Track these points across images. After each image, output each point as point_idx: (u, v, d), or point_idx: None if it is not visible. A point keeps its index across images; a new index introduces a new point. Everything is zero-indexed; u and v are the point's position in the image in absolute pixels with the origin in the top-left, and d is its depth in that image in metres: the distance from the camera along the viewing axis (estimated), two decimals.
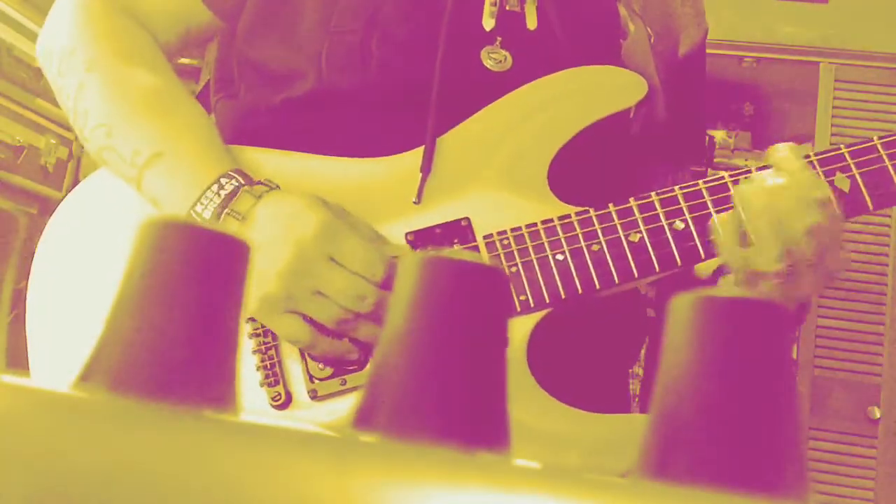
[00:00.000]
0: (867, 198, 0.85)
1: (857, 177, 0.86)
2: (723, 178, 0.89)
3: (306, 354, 0.89)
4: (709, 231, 0.86)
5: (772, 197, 0.82)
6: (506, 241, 0.89)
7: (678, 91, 1.07)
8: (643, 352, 1.13)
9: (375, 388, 0.24)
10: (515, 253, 0.89)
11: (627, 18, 1.05)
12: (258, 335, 0.90)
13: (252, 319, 0.89)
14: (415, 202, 0.91)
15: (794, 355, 1.79)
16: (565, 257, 0.88)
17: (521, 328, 0.87)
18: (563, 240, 0.88)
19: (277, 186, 0.88)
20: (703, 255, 0.87)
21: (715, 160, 2.04)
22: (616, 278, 0.87)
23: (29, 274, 1.00)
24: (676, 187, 0.89)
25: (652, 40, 1.05)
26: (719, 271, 0.97)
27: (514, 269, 0.88)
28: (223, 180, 0.88)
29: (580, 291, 0.87)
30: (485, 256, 0.89)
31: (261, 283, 0.83)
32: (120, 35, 1.01)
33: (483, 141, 0.94)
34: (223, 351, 0.24)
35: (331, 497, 0.18)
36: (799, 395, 1.74)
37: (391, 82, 0.96)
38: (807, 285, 0.84)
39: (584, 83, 0.96)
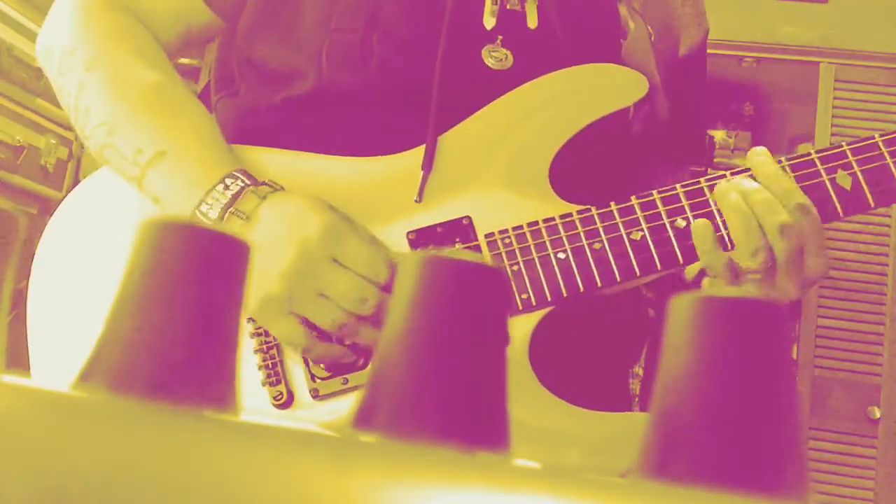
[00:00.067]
0: (868, 195, 0.86)
1: (859, 174, 0.86)
2: (725, 176, 0.89)
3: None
4: (688, 235, 0.87)
5: (745, 196, 0.83)
6: (507, 240, 0.89)
7: (678, 91, 1.07)
8: (644, 351, 1.13)
9: (375, 388, 0.24)
10: (517, 251, 0.89)
11: (628, 17, 1.05)
12: (259, 334, 0.90)
13: (253, 319, 0.89)
14: (416, 201, 0.91)
15: (794, 355, 1.79)
16: (567, 256, 0.88)
17: (522, 326, 0.87)
18: (564, 238, 0.88)
19: (282, 187, 0.88)
20: None
21: (715, 160, 2.04)
22: (618, 276, 0.87)
23: (29, 274, 1.00)
24: (678, 185, 0.89)
25: (652, 38, 1.05)
26: (703, 273, 0.98)
27: (515, 267, 0.88)
28: (228, 180, 0.87)
29: (582, 290, 0.87)
30: (486, 255, 0.89)
31: (263, 283, 0.83)
32: (121, 33, 1.00)
33: (484, 139, 0.94)
34: (223, 351, 0.24)
35: (331, 497, 0.18)
36: (799, 395, 1.74)
37: (391, 81, 0.96)
38: (785, 287, 0.84)
39: (586, 81, 0.96)
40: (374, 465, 0.19)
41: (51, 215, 1.02)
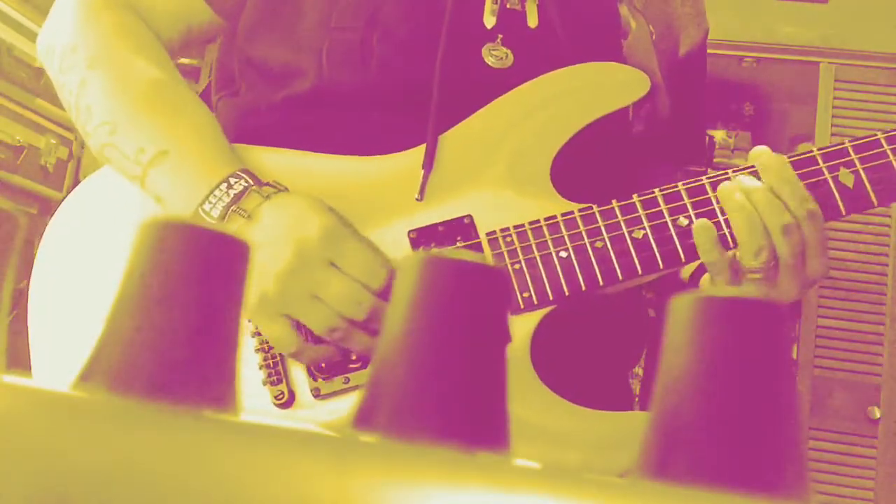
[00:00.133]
0: (871, 193, 0.86)
1: (861, 172, 0.86)
2: (727, 174, 0.89)
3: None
4: (690, 233, 0.87)
5: (749, 195, 0.83)
6: (509, 239, 0.89)
7: (679, 91, 1.07)
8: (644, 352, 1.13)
9: (375, 388, 0.24)
10: (518, 250, 0.89)
11: (629, 16, 1.05)
12: (260, 333, 0.90)
13: None
14: (417, 199, 0.91)
15: (794, 355, 1.79)
16: (569, 254, 0.88)
17: (524, 325, 0.87)
18: (566, 237, 0.88)
19: (286, 188, 0.88)
20: None
21: (715, 160, 2.04)
22: (620, 275, 0.87)
23: (29, 274, 1.00)
24: (680, 184, 0.89)
25: (654, 37, 1.05)
26: (697, 274, 0.98)
27: (517, 266, 0.88)
28: (232, 179, 0.87)
29: (584, 288, 0.87)
30: (488, 254, 0.89)
31: (259, 282, 0.83)
32: (122, 31, 1.00)
33: (485, 138, 0.94)
34: (223, 351, 0.24)
35: (331, 497, 0.18)
36: (799, 395, 1.74)
37: (392, 81, 0.96)
38: (786, 287, 0.84)
39: (587, 80, 0.96)
40: (374, 465, 0.19)
41: (51, 215, 1.02)
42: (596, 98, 0.95)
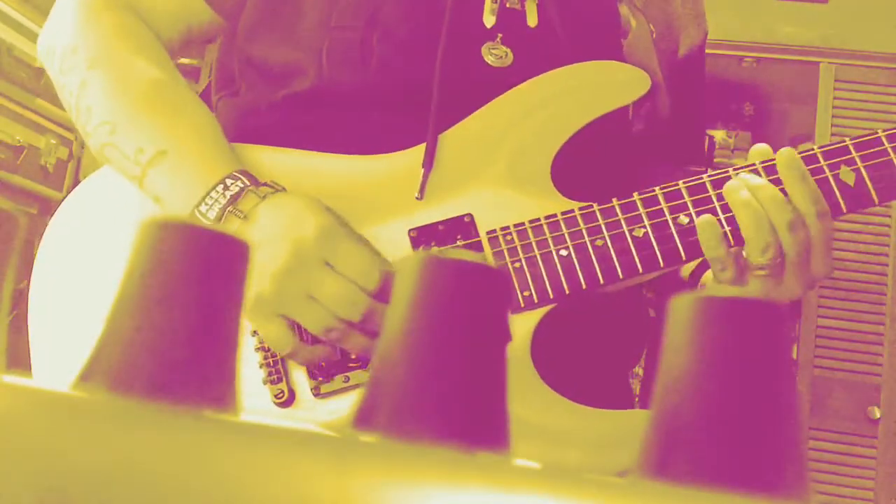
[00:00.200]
0: (872, 191, 0.86)
1: (862, 170, 0.86)
2: (727, 172, 0.89)
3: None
4: (691, 231, 0.87)
5: (755, 193, 0.83)
6: (509, 237, 0.89)
7: (679, 91, 1.07)
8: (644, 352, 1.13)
9: (375, 388, 0.24)
10: (519, 248, 0.89)
11: (629, 15, 1.05)
12: None
13: None
14: (417, 198, 0.91)
15: (794, 355, 1.79)
16: (569, 252, 0.88)
17: (524, 324, 0.87)
18: (566, 235, 0.88)
19: (283, 188, 0.88)
20: None
21: (715, 160, 2.04)
22: (620, 273, 0.87)
23: (29, 274, 1.00)
24: (680, 182, 0.89)
25: (654, 36, 1.05)
26: (698, 273, 0.98)
27: (517, 264, 0.88)
28: (228, 181, 0.87)
29: (584, 287, 0.87)
30: (488, 252, 0.89)
31: (255, 283, 0.83)
32: (122, 32, 1.01)
33: (485, 137, 0.94)
34: (223, 351, 0.24)
35: (331, 497, 0.18)
36: (799, 395, 1.74)
37: (392, 81, 0.96)
38: (790, 285, 0.85)
39: (587, 78, 0.96)
40: (374, 465, 0.19)
41: (51, 215, 1.02)
42: (596, 97, 0.95)
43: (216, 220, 0.86)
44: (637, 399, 1.20)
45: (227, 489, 0.18)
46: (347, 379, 0.88)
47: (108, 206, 0.99)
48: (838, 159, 0.86)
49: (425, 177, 0.91)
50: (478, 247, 0.90)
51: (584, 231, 0.88)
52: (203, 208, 0.87)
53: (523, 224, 0.89)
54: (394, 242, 0.90)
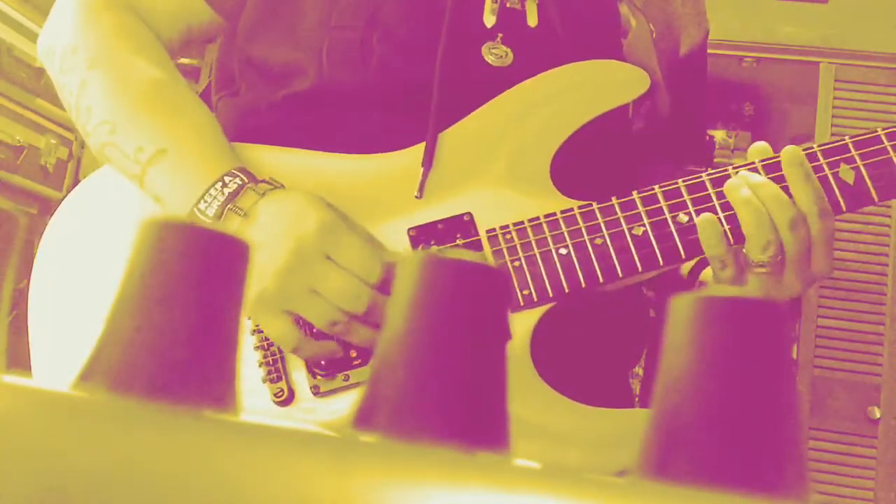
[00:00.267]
0: (871, 189, 0.86)
1: (862, 168, 0.86)
2: (726, 170, 0.89)
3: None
4: (690, 230, 0.87)
5: (756, 191, 0.83)
6: (508, 236, 0.89)
7: (679, 90, 1.07)
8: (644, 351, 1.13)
9: (375, 388, 0.24)
10: (518, 247, 0.89)
11: (629, 14, 1.05)
12: (260, 331, 0.90)
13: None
14: (417, 197, 0.91)
15: (794, 355, 1.79)
16: (568, 251, 0.88)
17: (524, 323, 0.87)
18: (566, 233, 0.88)
19: (282, 185, 0.88)
20: None
21: (715, 160, 2.04)
22: (619, 271, 0.87)
23: (29, 274, 1.00)
24: (680, 180, 0.89)
25: (654, 36, 1.05)
26: (696, 270, 0.99)
27: (517, 263, 0.88)
28: (227, 178, 0.88)
29: (583, 285, 0.87)
30: (487, 251, 0.89)
31: (258, 280, 0.83)
32: (122, 32, 1.01)
33: (485, 136, 0.94)
34: (223, 351, 0.24)
35: (331, 497, 0.18)
36: (799, 394, 1.74)
37: (392, 81, 0.96)
38: (790, 282, 0.85)
39: (587, 77, 0.96)
40: (374, 465, 0.19)
41: (51, 215, 1.02)
42: (596, 95, 0.95)
43: (215, 217, 0.86)
44: (637, 399, 1.20)
45: (227, 489, 0.18)
46: (347, 378, 0.88)
47: (108, 205, 0.99)
48: (838, 157, 0.86)
49: (425, 176, 0.91)
50: (477, 246, 0.90)
51: (583, 230, 0.88)
52: (202, 206, 0.87)
53: (522, 223, 0.89)
54: (393, 241, 0.90)
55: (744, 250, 0.85)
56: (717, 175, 0.88)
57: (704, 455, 0.22)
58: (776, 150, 0.89)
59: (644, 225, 0.87)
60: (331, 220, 0.85)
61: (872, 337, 1.77)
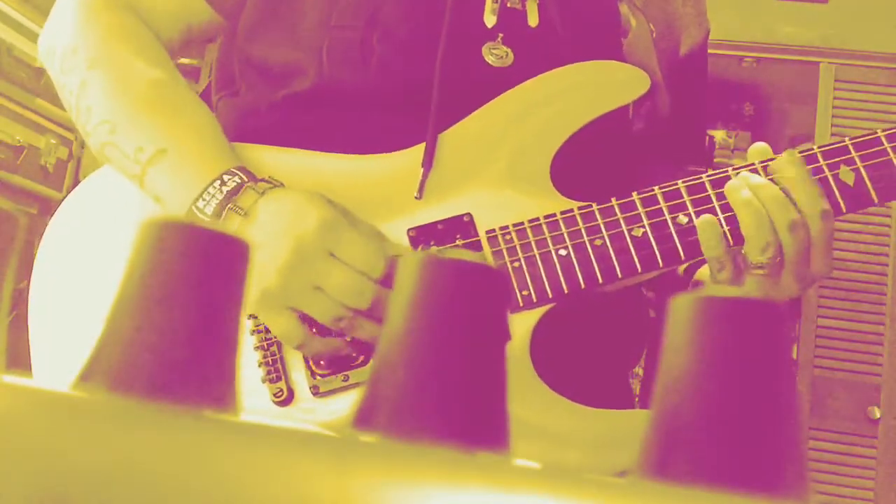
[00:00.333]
0: (871, 190, 0.86)
1: (862, 170, 0.86)
2: (726, 171, 0.89)
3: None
4: (690, 231, 0.87)
5: (756, 192, 0.83)
6: (508, 237, 0.89)
7: (679, 90, 1.07)
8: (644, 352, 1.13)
9: (375, 388, 0.24)
10: (518, 248, 0.89)
11: (629, 14, 1.05)
12: (260, 331, 0.90)
13: (254, 316, 0.89)
14: (417, 198, 0.91)
15: (794, 355, 1.79)
16: (568, 252, 0.88)
17: (523, 323, 0.87)
18: (565, 234, 0.88)
19: (281, 184, 0.88)
20: None
21: (715, 160, 2.04)
22: (619, 273, 0.87)
23: (29, 274, 1.00)
24: (679, 181, 0.89)
25: (654, 36, 1.05)
26: (692, 269, 0.99)
27: (516, 264, 0.88)
28: (226, 177, 0.88)
29: (583, 286, 0.87)
30: (487, 252, 0.89)
31: (261, 278, 0.83)
32: (122, 32, 1.01)
33: (485, 137, 0.94)
34: (223, 351, 0.24)
35: (331, 497, 0.18)
36: (799, 395, 1.74)
37: (392, 81, 0.96)
38: (788, 284, 0.85)
39: (587, 78, 0.96)
40: (374, 465, 0.19)
41: (51, 215, 1.02)
42: (596, 96, 0.95)
43: (214, 216, 0.86)
44: (637, 399, 1.20)
45: (227, 489, 0.18)
46: (346, 378, 0.88)
47: (109, 206, 0.99)
48: (838, 159, 0.86)
49: (424, 176, 0.91)
50: (477, 246, 0.90)
51: (582, 231, 0.88)
52: (200, 204, 0.87)
53: (522, 224, 0.89)
54: (393, 242, 0.90)
55: (742, 252, 0.85)
56: (717, 176, 0.88)
57: (704, 455, 0.22)
58: (776, 150, 0.89)
59: (644, 226, 0.87)
60: (331, 216, 0.85)
61: (872, 337, 1.77)
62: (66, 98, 1.00)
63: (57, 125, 2.24)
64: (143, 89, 0.96)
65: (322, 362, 0.88)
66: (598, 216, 0.89)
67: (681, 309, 0.24)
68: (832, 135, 1.86)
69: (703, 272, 0.96)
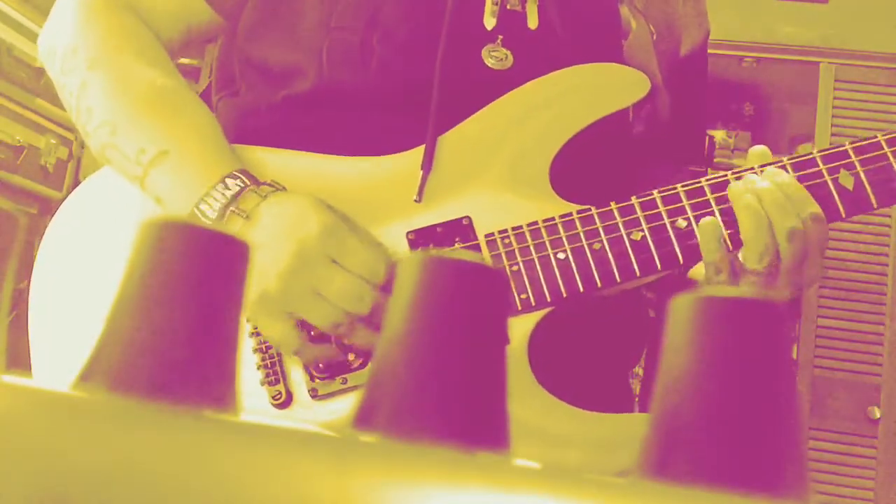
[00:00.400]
0: (871, 195, 0.85)
1: (861, 174, 0.86)
2: (725, 175, 0.89)
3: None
4: (689, 235, 0.87)
5: (760, 197, 0.83)
6: (507, 240, 0.89)
7: (680, 91, 1.07)
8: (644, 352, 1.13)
9: (375, 389, 0.24)
10: (517, 251, 0.89)
11: (629, 16, 1.05)
12: (259, 333, 0.90)
13: None
14: (416, 201, 0.91)
15: (794, 355, 1.79)
16: (567, 256, 0.88)
17: (522, 327, 0.87)
18: (564, 238, 0.88)
19: (283, 188, 0.88)
20: None
21: (715, 160, 2.04)
22: (618, 277, 0.87)
23: (29, 274, 1.00)
24: (679, 185, 0.89)
25: (654, 38, 1.05)
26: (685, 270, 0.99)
27: (515, 267, 0.88)
28: (228, 180, 0.87)
29: (581, 290, 0.87)
30: (486, 255, 0.89)
31: (260, 281, 0.83)
32: (123, 32, 1.01)
33: (484, 139, 0.93)
34: (223, 351, 0.24)
35: (331, 497, 0.18)
36: (799, 395, 1.74)
37: (392, 82, 0.96)
38: (780, 290, 0.85)
39: (587, 81, 0.96)
40: (374, 465, 0.19)
41: (51, 215, 1.02)
42: (596, 99, 0.95)
43: (217, 219, 0.86)
44: (637, 399, 1.20)
45: (227, 489, 0.18)
46: (345, 381, 0.88)
47: (109, 206, 0.99)
48: (837, 163, 0.86)
49: (424, 179, 0.91)
50: (475, 250, 0.90)
51: (581, 234, 0.88)
52: (203, 207, 0.87)
53: (521, 227, 0.89)
54: (392, 245, 0.90)
55: (740, 257, 0.85)
56: (717, 180, 0.88)
57: (704, 455, 0.22)
58: (776, 150, 0.89)
59: (643, 230, 0.87)
60: (333, 222, 0.85)
61: (872, 337, 1.77)
62: (66, 99, 0.99)
63: (57, 125, 2.24)
64: (144, 90, 0.96)
65: (321, 365, 0.88)
66: (596, 220, 0.88)
67: (681, 309, 0.24)
68: (832, 135, 1.86)
69: (698, 270, 0.96)
